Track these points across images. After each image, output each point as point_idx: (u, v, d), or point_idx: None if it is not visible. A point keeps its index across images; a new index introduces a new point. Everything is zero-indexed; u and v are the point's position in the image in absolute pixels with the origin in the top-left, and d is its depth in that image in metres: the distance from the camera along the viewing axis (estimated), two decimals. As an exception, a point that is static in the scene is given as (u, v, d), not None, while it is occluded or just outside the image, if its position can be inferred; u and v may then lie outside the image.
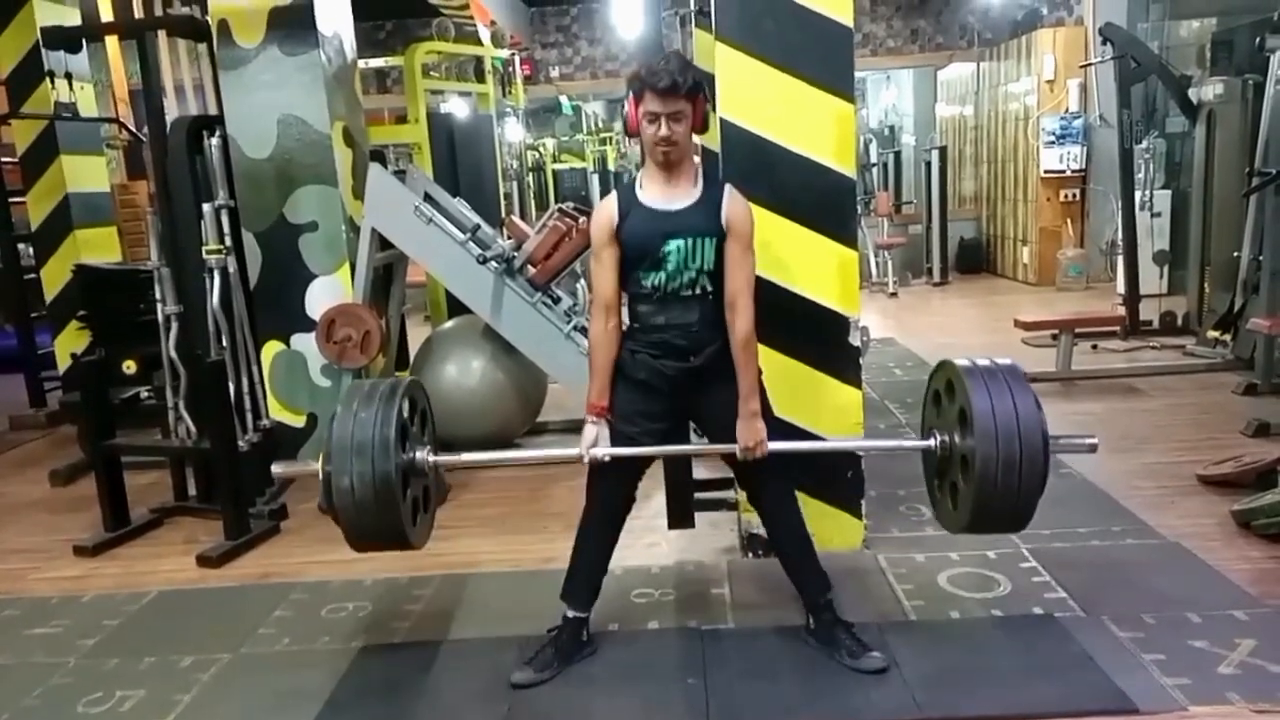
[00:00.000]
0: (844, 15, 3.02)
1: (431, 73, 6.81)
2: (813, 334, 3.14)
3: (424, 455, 2.59)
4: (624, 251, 2.57)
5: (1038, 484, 2.39)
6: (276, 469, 2.66)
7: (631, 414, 2.62)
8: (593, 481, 2.71)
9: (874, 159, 11.71)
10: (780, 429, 2.83)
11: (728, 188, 2.60)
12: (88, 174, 6.29)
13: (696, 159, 2.62)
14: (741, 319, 2.55)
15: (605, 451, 2.59)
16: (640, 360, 2.61)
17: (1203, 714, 2.33)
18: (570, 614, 2.76)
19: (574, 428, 4.89)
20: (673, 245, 2.52)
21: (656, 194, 2.57)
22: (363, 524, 2.43)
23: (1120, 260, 7.31)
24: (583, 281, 4.85)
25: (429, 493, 2.69)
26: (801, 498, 2.82)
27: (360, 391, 2.53)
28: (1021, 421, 2.35)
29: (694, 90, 2.47)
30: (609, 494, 2.71)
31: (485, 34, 7.62)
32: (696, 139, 4.26)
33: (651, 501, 3.69)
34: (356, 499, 2.38)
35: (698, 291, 2.57)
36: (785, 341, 3.13)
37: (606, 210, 2.59)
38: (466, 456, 2.80)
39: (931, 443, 2.59)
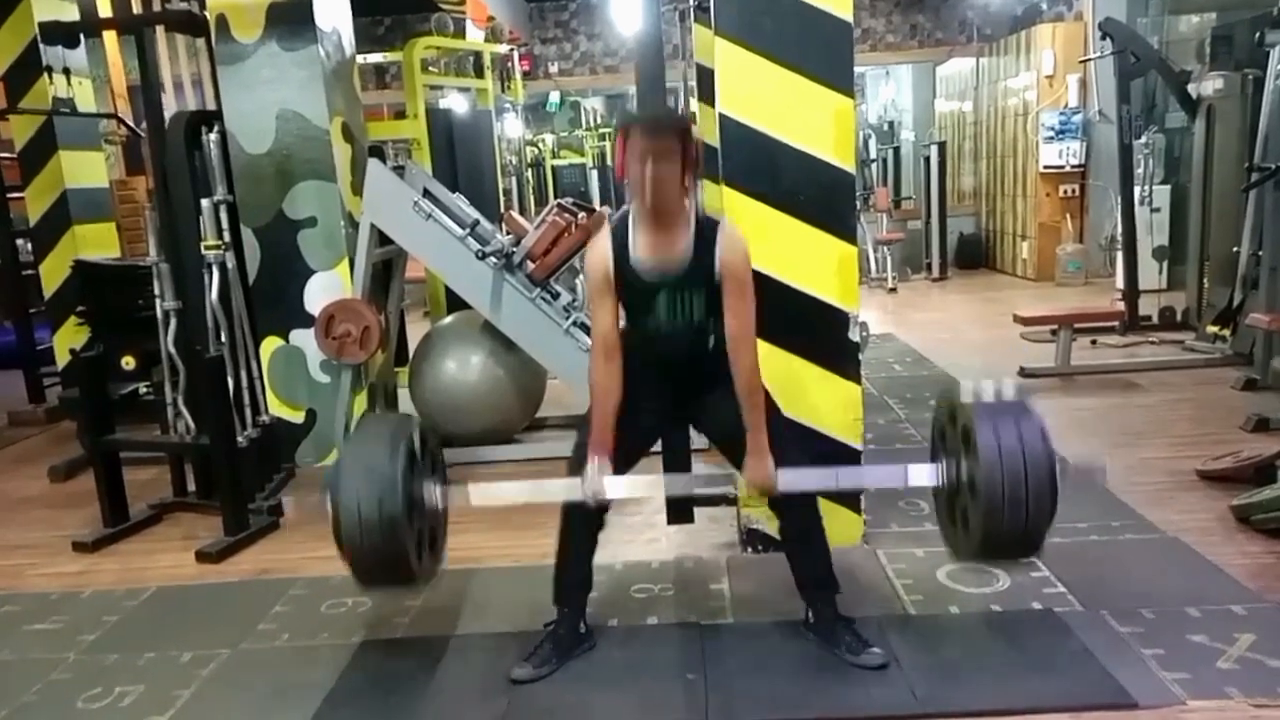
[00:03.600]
0: (843, 10, 3.01)
1: (430, 68, 6.80)
2: (812, 329, 3.14)
3: (432, 486, 2.58)
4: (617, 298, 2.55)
5: (1048, 505, 2.36)
6: (289, 511, 2.65)
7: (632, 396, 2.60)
8: (565, 516, 2.70)
9: (873, 154, 11.71)
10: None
11: (721, 228, 2.50)
12: (86, 169, 6.28)
13: (688, 202, 2.49)
14: (743, 361, 2.51)
15: (609, 487, 2.54)
16: (638, 353, 2.60)
17: (1201, 709, 2.33)
18: (566, 610, 2.76)
19: (574, 423, 4.91)
20: (662, 299, 2.52)
21: (647, 247, 2.48)
22: (367, 552, 2.40)
23: (1119, 255, 7.31)
24: (581, 277, 4.84)
25: (436, 533, 2.68)
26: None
27: (369, 421, 2.53)
28: (1026, 442, 2.35)
29: (683, 129, 2.39)
30: (579, 533, 2.70)
31: (472, 31, 7.60)
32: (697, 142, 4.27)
33: (651, 497, 3.69)
34: (363, 522, 2.36)
35: (694, 333, 2.57)
36: (785, 337, 3.13)
37: (601, 256, 2.51)
38: (476, 502, 2.70)
39: (937, 467, 2.61)
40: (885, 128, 13.78)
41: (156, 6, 4.55)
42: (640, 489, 2.86)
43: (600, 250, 2.53)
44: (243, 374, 4.45)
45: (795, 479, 2.58)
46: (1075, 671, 2.50)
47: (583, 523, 2.68)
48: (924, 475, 2.65)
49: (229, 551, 3.72)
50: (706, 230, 2.48)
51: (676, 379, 2.68)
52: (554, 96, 12.08)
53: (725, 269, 2.47)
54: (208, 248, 4.29)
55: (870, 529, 3.42)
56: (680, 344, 2.60)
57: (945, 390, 2.67)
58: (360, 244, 4.59)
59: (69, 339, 5.86)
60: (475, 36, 7.61)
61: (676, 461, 3.39)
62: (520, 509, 3.97)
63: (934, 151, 10.33)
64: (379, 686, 2.65)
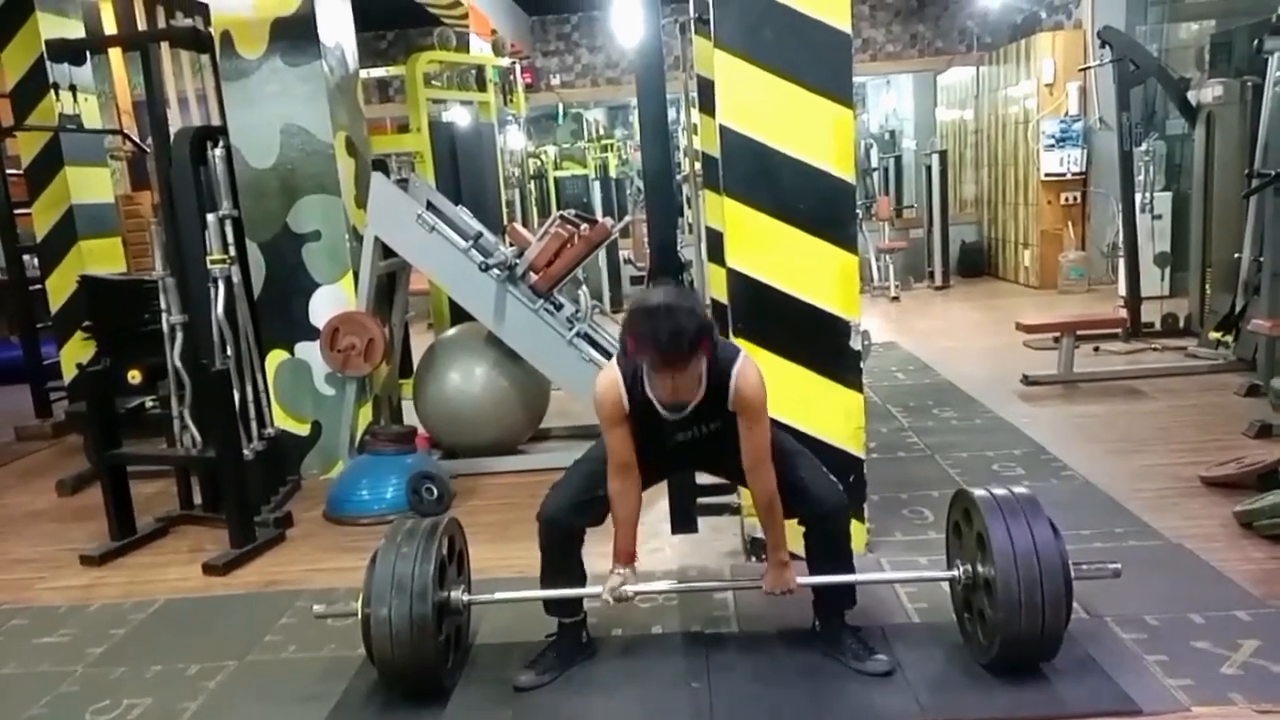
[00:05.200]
0: (842, 21, 3.03)
1: (433, 81, 6.84)
2: (814, 338, 3.15)
3: (459, 595, 2.69)
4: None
5: (1062, 608, 2.43)
6: (318, 609, 2.76)
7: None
8: (544, 532, 2.70)
9: (875, 164, 11.72)
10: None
11: (736, 368, 2.46)
12: (92, 185, 6.32)
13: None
14: (758, 486, 2.56)
15: (631, 589, 2.64)
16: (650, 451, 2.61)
17: (1206, 715, 2.33)
18: (566, 621, 2.77)
19: (578, 434, 4.94)
20: (680, 437, 2.56)
21: (662, 390, 2.42)
22: (396, 658, 2.51)
23: (1121, 262, 7.31)
24: (585, 288, 4.86)
25: (461, 632, 2.82)
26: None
27: (403, 528, 2.65)
28: (1039, 546, 2.43)
29: (697, 342, 2.30)
30: (560, 547, 2.71)
31: (476, 43, 7.64)
32: (699, 146, 4.30)
33: (655, 506, 3.70)
34: (394, 632, 2.48)
35: (706, 440, 2.61)
36: (787, 346, 3.14)
37: (614, 393, 2.49)
38: (500, 595, 2.88)
39: (956, 572, 2.66)
40: (886, 137, 13.80)
41: (161, 23, 4.58)
42: (659, 588, 3.00)
43: (612, 385, 2.50)
44: (248, 387, 4.47)
45: (817, 581, 2.68)
46: (1079, 678, 2.50)
47: (560, 537, 2.69)
48: (941, 575, 2.76)
49: (235, 564, 3.73)
50: (722, 366, 2.46)
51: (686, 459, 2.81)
52: (561, 107, 12.13)
53: (738, 404, 2.49)
54: (213, 262, 4.32)
55: (874, 537, 3.43)
56: (692, 449, 2.65)
57: (959, 490, 2.73)
58: (364, 257, 4.61)
59: (75, 353, 5.89)
60: (478, 48, 7.65)
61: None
62: (521, 519, 4.00)
63: (935, 160, 10.35)
64: (385, 697, 2.66)
